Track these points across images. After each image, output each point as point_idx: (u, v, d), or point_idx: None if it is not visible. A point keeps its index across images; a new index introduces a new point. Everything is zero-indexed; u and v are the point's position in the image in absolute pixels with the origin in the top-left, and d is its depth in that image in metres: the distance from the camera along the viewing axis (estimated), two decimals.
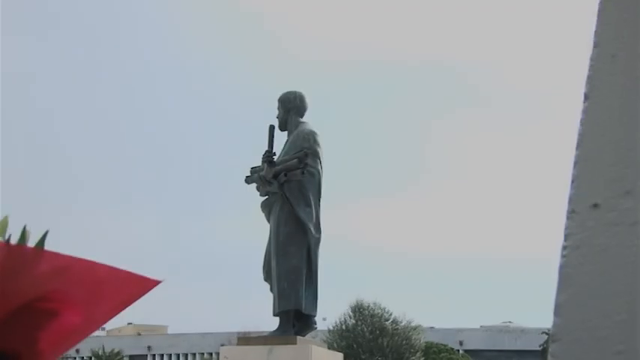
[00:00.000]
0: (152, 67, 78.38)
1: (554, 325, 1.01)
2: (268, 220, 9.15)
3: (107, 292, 1.21)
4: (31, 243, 1.14)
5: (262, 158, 8.91)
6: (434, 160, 75.17)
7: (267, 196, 9.10)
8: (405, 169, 78.02)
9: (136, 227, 68.36)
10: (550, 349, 1.01)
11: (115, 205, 68.58)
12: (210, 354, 46.65)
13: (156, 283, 1.24)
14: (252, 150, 9.40)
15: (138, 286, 1.23)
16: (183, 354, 53.05)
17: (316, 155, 8.95)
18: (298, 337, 8.69)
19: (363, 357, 31.88)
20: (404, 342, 34.70)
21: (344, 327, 35.04)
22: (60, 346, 1.25)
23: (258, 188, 9.10)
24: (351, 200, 55.19)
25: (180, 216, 72.20)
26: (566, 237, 1.03)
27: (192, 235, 71.05)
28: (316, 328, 9.86)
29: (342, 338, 32.42)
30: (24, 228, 1.16)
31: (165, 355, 53.61)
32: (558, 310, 1.01)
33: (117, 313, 1.25)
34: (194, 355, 51.49)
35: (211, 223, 67.57)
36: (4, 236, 1.14)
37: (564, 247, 1.03)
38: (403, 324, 35.61)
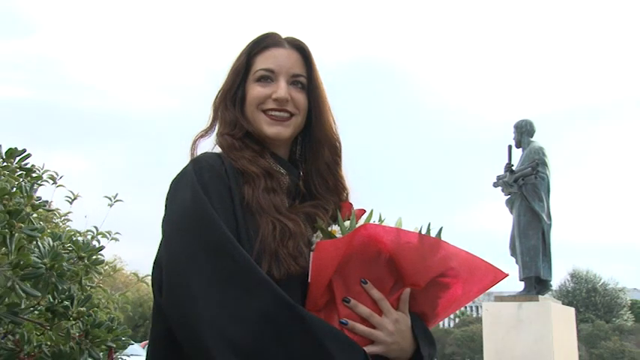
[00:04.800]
0: None
1: None
2: (511, 212, 10.71)
3: (476, 277, 1.44)
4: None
5: (504, 168, 10.63)
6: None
7: (509, 195, 10.73)
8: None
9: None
10: None
11: None
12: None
13: (504, 275, 1.42)
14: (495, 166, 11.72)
15: (493, 276, 1.44)
16: None
17: (544, 164, 10.44)
18: (539, 296, 9.82)
19: (580, 310, 34.91)
20: (613, 300, 37.33)
21: (563, 289, 38.26)
22: (447, 311, 1.50)
23: (502, 190, 10.77)
24: None
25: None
26: None
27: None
28: (552, 289, 11.56)
29: (563, 297, 35.40)
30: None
31: None
32: None
33: (476, 297, 1.47)
34: None
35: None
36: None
37: None
38: (610, 286, 38.25)
